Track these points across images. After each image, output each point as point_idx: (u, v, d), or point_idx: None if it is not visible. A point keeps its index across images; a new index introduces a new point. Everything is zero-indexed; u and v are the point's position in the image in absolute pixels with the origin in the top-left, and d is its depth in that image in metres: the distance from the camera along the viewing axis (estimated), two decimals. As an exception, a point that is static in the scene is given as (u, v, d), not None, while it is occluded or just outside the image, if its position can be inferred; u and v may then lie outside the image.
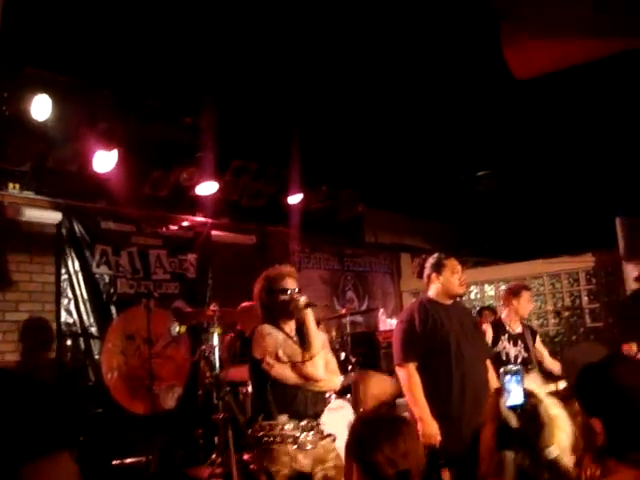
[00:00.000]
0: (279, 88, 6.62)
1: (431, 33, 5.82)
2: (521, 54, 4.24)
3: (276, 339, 4.03)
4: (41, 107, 5.81)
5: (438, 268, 4.97)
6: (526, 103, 7.11)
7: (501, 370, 2.18)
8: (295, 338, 4.14)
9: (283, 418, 3.91)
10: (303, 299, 4.12)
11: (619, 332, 7.31)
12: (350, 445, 2.41)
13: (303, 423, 3.98)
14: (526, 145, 8.68)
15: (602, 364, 2.10)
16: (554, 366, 6.52)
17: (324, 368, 4.09)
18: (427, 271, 5.05)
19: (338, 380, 4.31)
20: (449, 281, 4.93)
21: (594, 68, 5.34)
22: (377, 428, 2.38)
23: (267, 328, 4.09)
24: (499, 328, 6.46)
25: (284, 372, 3.97)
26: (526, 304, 6.52)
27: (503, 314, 6.65)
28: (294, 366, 3.98)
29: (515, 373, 2.15)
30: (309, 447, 3.97)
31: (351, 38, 5.88)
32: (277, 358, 3.97)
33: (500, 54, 4.92)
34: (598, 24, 3.57)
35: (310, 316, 4.10)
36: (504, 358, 6.29)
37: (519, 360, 6.33)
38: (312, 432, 4.02)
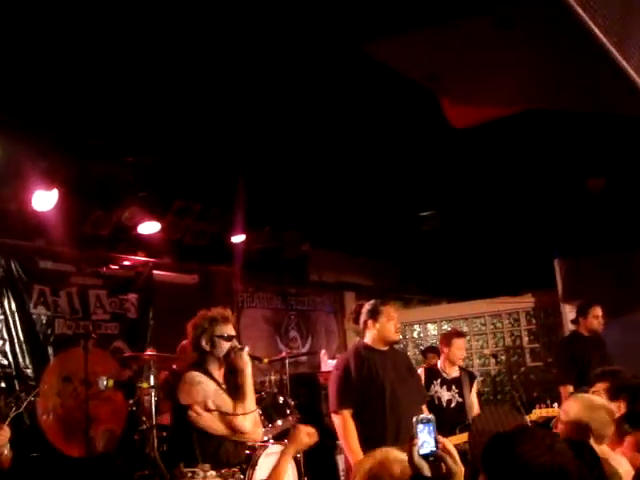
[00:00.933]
0: (223, 129, 6.63)
1: (373, 76, 5.92)
2: (454, 109, 4.35)
3: (206, 389, 3.95)
4: (-21, 146, 5.74)
5: (374, 315, 5.00)
6: (469, 146, 7.24)
7: (414, 419, 2.20)
8: (224, 386, 4.07)
9: (206, 466, 3.87)
10: (247, 350, 4.06)
11: (556, 374, 7.41)
12: None
13: (224, 471, 3.93)
14: (468, 187, 8.83)
15: (509, 438, 2.12)
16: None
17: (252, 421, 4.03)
18: (363, 317, 5.07)
19: (261, 432, 4.23)
20: (385, 328, 4.96)
21: (534, 116, 5.50)
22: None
23: (197, 376, 4.00)
24: (432, 373, 6.56)
25: (212, 423, 3.91)
26: (457, 351, 6.63)
27: (439, 360, 6.76)
28: (223, 417, 3.92)
29: (427, 422, 2.18)
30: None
31: (294, 81, 5.95)
32: (206, 408, 3.90)
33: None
34: (523, 83, 3.71)
35: (249, 369, 4.03)
36: (436, 402, 6.33)
37: (452, 405, 6.39)
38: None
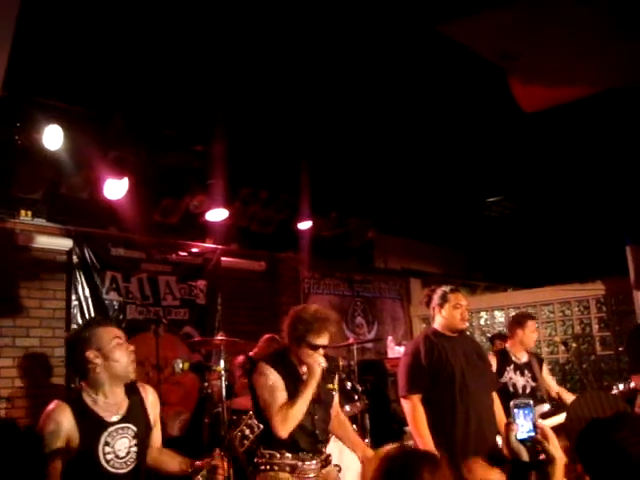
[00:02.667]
0: (290, 116, 6.67)
1: (443, 63, 5.87)
2: (525, 91, 4.28)
3: (265, 381, 4.01)
4: (52, 137, 5.90)
5: (441, 302, 5.02)
6: (538, 131, 7.13)
7: (511, 403, 2.18)
8: (304, 377, 4.09)
9: (282, 450, 3.92)
10: (323, 365, 4.04)
11: (628, 363, 7.23)
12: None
13: (302, 453, 3.99)
14: (537, 172, 8.70)
15: (606, 424, 2.08)
16: (563, 394, 6.46)
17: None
18: (432, 303, 5.10)
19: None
20: (451, 315, 4.97)
21: (604, 99, 5.38)
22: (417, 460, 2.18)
23: (264, 367, 4.07)
24: (504, 358, 6.38)
25: None
26: (530, 334, 6.45)
27: (508, 344, 6.59)
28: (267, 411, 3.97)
29: (525, 406, 2.16)
30: (311, 475, 3.98)
31: (362, 67, 5.94)
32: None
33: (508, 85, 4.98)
34: (591, 67, 3.63)
35: (315, 382, 4.00)
36: (511, 389, 6.21)
37: (527, 391, 6.25)
38: (313, 461, 4.02)
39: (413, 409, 4.73)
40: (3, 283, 6.55)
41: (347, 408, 5.81)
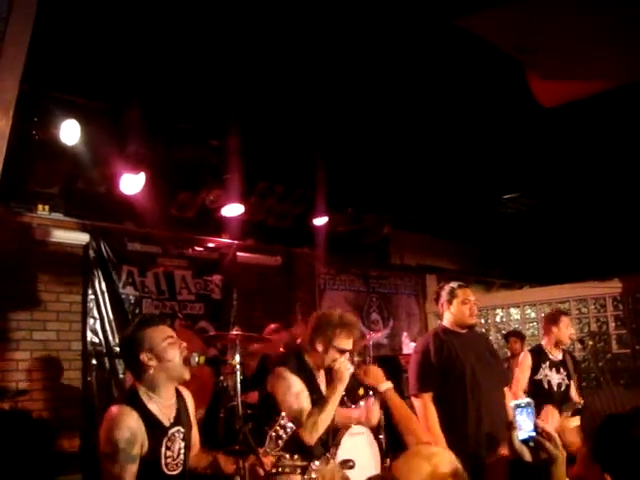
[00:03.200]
0: (307, 111, 6.67)
1: (459, 59, 5.86)
2: (544, 85, 4.26)
3: (285, 386, 3.98)
4: (70, 131, 5.93)
5: (450, 298, 4.99)
6: (554, 127, 7.10)
7: (512, 404, 2.17)
8: (322, 386, 4.09)
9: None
10: (351, 369, 4.02)
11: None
12: None
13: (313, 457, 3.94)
14: (555, 168, 8.66)
15: (625, 420, 2.06)
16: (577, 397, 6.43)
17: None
18: (441, 300, 5.08)
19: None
20: (460, 311, 4.94)
21: (619, 94, 5.35)
22: None
23: (285, 372, 4.03)
24: (540, 355, 6.36)
25: None
26: (566, 330, 6.40)
27: (543, 341, 6.55)
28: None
29: (526, 406, 2.15)
30: (313, 475, 3.92)
31: (379, 63, 5.93)
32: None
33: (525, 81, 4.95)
34: (611, 60, 3.59)
35: (342, 387, 3.97)
36: (546, 386, 6.16)
37: (562, 388, 6.20)
38: (319, 461, 3.96)
39: (424, 408, 4.71)
40: (20, 277, 6.60)
41: (362, 403, 5.78)
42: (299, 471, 3.93)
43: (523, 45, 3.50)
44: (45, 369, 6.67)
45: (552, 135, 7.44)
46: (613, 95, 5.31)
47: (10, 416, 5.91)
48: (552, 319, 6.52)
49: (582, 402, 6.21)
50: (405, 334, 10.03)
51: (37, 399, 6.49)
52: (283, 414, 3.52)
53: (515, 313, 10.81)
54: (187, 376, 3.48)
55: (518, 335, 9.49)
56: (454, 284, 5.09)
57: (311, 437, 3.86)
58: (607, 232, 10.46)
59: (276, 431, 3.46)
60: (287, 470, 3.87)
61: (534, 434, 2.11)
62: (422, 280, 11.82)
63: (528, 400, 2.19)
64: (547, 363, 6.29)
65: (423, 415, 4.70)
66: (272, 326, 7.13)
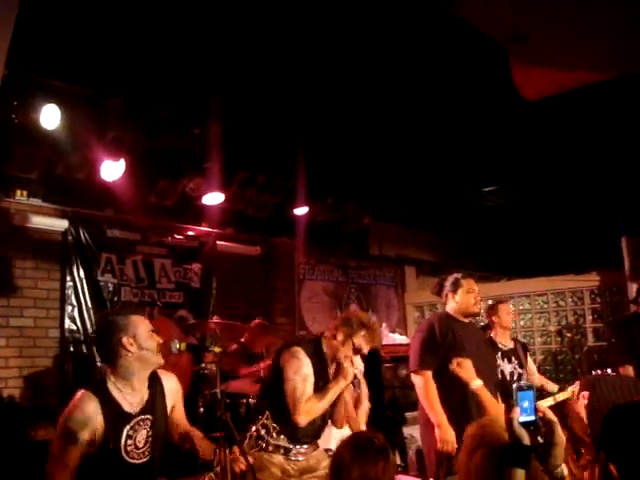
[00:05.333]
0: (287, 101, 6.65)
1: (440, 50, 5.85)
2: (528, 77, 4.26)
3: (297, 365, 4.00)
4: (50, 116, 5.86)
5: (454, 287, 5.09)
6: (534, 121, 7.12)
7: (514, 386, 2.17)
8: (331, 371, 4.13)
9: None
10: (358, 371, 4.12)
11: (616, 353, 7.24)
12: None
13: (298, 442, 4.05)
14: (533, 162, 8.69)
15: (632, 410, 2.05)
16: (544, 382, 6.49)
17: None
18: (445, 290, 5.16)
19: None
20: (465, 300, 5.03)
21: (601, 88, 5.37)
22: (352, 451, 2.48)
23: (300, 353, 4.05)
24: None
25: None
26: (506, 316, 6.47)
27: (492, 334, 6.64)
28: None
29: (527, 389, 2.15)
30: (300, 458, 4.04)
31: (359, 53, 5.91)
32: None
33: (508, 73, 4.96)
34: (599, 51, 3.60)
35: (343, 384, 4.02)
36: (499, 376, 6.26)
37: (515, 377, 6.29)
38: (305, 445, 4.08)
39: (425, 384, 4.78)
40: (-2, 262, 6.53)
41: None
42: (282, 451, 3.97)
43: (516, 32, 3.49)
44: (21, 356, 6.61)
45: (533, 129, 7.47)
46: (595, 89, 5.34)
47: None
48: (491, 311, 6.59)
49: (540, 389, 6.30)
50: (384, 325, 10.04)
51: (13, 387, 6.44)
52: (267, 413, 3.52)
53: (493, 305, 10.85)
54: (161, 361, 3.49)
55: (494, 327, 9.52)
56: (457, 275, 5.21)
57: (302, 419, 3.91)
58: (585, 226, 10.52)
59: (258, 431, 3.45)
60: (270, 449, 3.89)
61: (534, 417, 2.11)
62: (401, 271, 11.85)
63: (530, 384, 2.19)
64: (499, 353, 6.37)
65: (424, 391, 4.79)
66: (257, 321, 7.15)
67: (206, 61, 5.87)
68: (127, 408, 3.40)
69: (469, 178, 9.58)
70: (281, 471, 3.96)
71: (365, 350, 4.13)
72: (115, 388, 3.39)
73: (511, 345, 6.45)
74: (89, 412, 3.26)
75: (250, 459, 3.36)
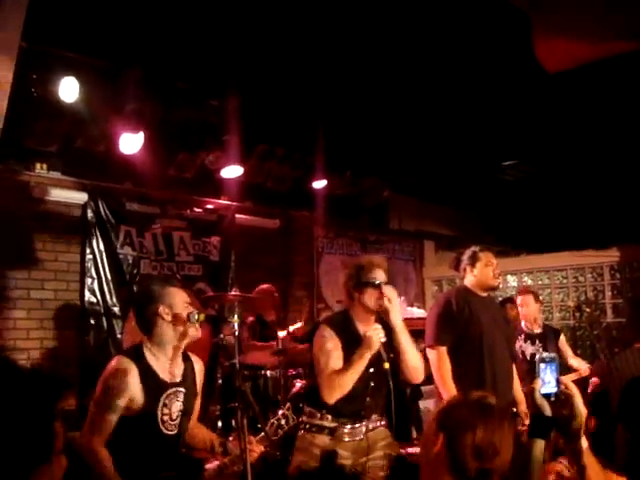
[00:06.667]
0: (306, 74, 6.61)
1: (461, 22, 5.78)
2: (551, 48, 4.20)
3: (322, 343, 3.88)
4: (69, 89, 5.86)
5: (473, 261, 5.05)
6: (556, 94, 7.04)
7: (537, 357, 2.17)
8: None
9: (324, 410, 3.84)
10: (382, 339, 3.79)
11: (632, 330, 7.23)
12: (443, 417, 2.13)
13: (344, 419, 3.87)
14: (554, 137, 8.61)
15: None
16: (577, 363, 6.52)
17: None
18: (463, 264, 5.13)
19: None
20: (483, 273, 5.00)
21: (622, 61, 5.29)
22: (475, 410, 2.07)
23: (324, 330, 3.92)
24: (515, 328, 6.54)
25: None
26: (529, 308, 6.75)
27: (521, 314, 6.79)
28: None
29: (550, 361, 2.15)
30: (346, 439, 3.85)
31: (379, 24, 5.86)
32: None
33: (530, 45, 4.89)
34: (625, 19, 3.54)
35: (369, 354, 3.77)
36: (520, 357, 6.32)
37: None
38: (356, 425, 3.89)
39: (439, 359, 4.75)
40: (18, 236, 6.58)
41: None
42: (327, 432, 3.86)
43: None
44: (42, 328, 6.68)
45: (554, 102, 7.38)
46: (617, 61, 5.26)
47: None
48: (519, 298, 6.95)
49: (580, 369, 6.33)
50: (402, 299, 10.04)
51: (35, 358, 6.51)
52: (288, 404, 3.51)
53: (512, 280, 10.83)
54: (198, 334, 3.52)
55: (514, 302, 9.50)
56: (475, 248, 5.15)
57: (327, 395, 3.77)
58: (606, 201, 10.43)
59: (278, 420, 3.45)
60: (314, 429, 3.86)
61: (556, 389, 2.12)
62: (420, 245, 11.81)
63: (553, 355, 2.19)
64: (522, 336, 6.59)
65: (437, 367, 4.76)
66: (262, 286, 7.16)
67: (224, 33, 5.83)
68: (163, 376, 3.45)
69: (489, 152, 9.52)
70: (325, 452, 3.80)
71: (382, 277, 3.93)
72: (152, 355, 3.45)
73: (538, 330, 6.56)
74: (128, 378, 3.30)
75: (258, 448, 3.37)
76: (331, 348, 3.85)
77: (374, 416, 3.99)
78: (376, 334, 3.76)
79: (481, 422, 2.00)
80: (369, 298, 3.92)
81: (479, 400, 2.09)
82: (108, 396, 3.26)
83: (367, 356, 3.77)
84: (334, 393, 3.76)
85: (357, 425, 3.90)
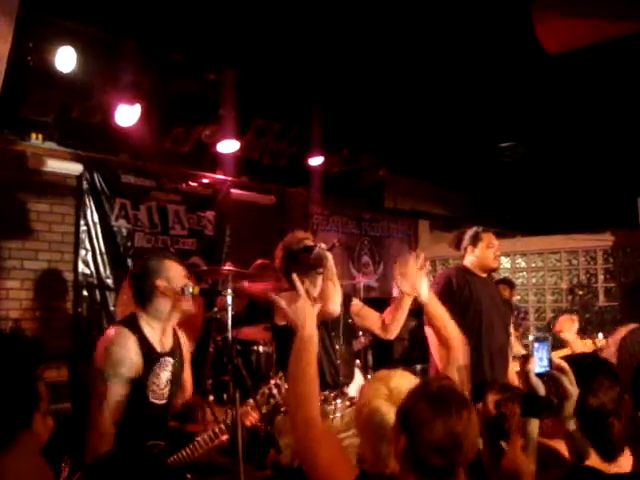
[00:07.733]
0: (304, 50, 6.57)
1: (460, 1, 5.76)
2: (551, 28, 4.18)
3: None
4: (65, 58, 5.81)
5: (474, 241, 5.09)
6: (554, 77, 7.03)
7: (530, 337, 2.19)
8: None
9: None
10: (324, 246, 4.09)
11: (624, 314, 7.24)
12: (403, 416, 2.12)
13: (326, 392, 3.87)
14: (552, 119, 8.60)
15: None
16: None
17: None
18: (464, 243, 5.16)
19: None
20: (484, 254, 5.05)
21: (622, 44, 5.27)
22: (432, 406, 2.06)
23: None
24: None
25: None
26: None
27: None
28: None
29: (544, 340, 2.16)
30: (331, 416, 3.85)
31: (377, 2, 5.83)
32: None
33: (530, 26, 4.87)
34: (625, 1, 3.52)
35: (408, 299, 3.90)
36: None
37: None
38: (338, 400, 3.91)
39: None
40: (13, 206, 6.54)
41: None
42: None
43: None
44: (35, 299, 6.67)
45: (552, 85, 7.37)
46: (615, 45, 5.24)
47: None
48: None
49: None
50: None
51: (26, 328, 6.50)
52: (280, 374, 3.52)
53: (505, 262, 10.85)
54: (192, 308, 3.58)
55: (507, 283, 9.50)
56: (478, 228, 5.20)
57: (391, 334, 4.04)
58: (601, 185, 10.45)
59: (270, 389, 3.46)
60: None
61: (549, 369, 2.13)
62: (415, 225, 11.83)
63: (545, 335, 2.20)
64: None
65: (435, 345, 4.75)
66: (259, 262, 7.15)
67: (222, 6, 5.79)
68: (156, 346, 3.49)
69: (486, 133, 9.51)
70: None
71: (309, 242, 4.20)
72: (148, 326, 3.49)
73: None
74: (129, 348, 3.34)
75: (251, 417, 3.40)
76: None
77: (347, 390, 4.09)
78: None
79: (439, 418, 2.01)
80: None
81: (437, 393, 2.10)
82: (113, 367, 3.28)
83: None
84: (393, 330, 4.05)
85: (339, 401, 3.94)
